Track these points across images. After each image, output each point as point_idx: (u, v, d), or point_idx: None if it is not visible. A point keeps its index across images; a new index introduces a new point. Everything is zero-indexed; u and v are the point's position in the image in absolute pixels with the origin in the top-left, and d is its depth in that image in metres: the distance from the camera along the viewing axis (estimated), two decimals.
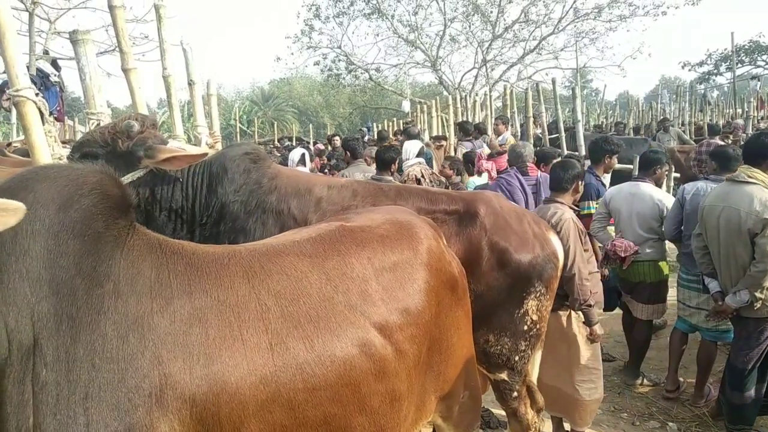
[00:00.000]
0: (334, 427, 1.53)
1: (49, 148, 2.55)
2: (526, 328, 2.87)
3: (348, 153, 6.00)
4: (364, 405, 1.60)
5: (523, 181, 5.22)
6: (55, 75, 10.70)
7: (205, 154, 2.67)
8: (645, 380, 5.01)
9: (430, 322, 1.88)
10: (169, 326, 1.34)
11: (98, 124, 3.11)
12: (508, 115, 11.73)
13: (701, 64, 30.95)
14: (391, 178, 4.98)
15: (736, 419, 3.84)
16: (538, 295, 2.87)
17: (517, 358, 2.88)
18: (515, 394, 2.94)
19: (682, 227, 4.47)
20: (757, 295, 3.58)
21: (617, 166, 8.77)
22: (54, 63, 10.93)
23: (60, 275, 1.26)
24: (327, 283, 1.64)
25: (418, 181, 5.73)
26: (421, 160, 6.32)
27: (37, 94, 2.64)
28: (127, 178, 2.55)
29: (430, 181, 5.92)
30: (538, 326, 2.93)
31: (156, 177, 2.67)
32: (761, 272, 3.53)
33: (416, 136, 9.30)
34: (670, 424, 4.38)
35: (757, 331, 3.71)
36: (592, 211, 5.09)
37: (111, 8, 3.71)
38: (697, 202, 4.25)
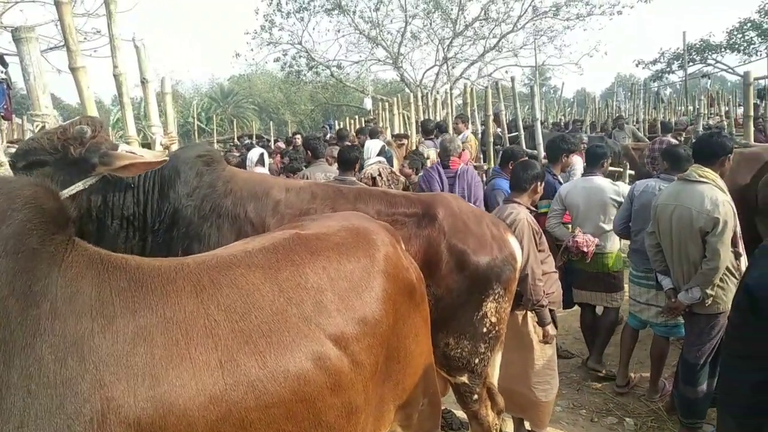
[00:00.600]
0: None
1: None
2: (485, 330, 2.87)
3: (309, 152, 5.93)
4: (320, 420, 1.56)
5: (443, 173, 5.50)
6: (1, 72, 10.28)
7: (165, 161, 2.57)
8: (605, 371, 5.10)
9: (387, 330, 1.86)
10: (111, 347, 1.27)
11: (43, 126, 2.97)
12: (468, 113, 11.80)
13: (655, 62, 31.85)
14: (353, 178, 4.95)
15: (690, 413, 3.95)
16: (496, 297, 2.88)
17: (477, 360, 2.89)
18: (475, 396, 2.95)
19: (630, 223, 4.59)
20: (708, 292, 3.68)
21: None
22: (1, 59, 10.49)
23: None
24: (280, 295, 1.60)
25: (374, 180, 5.72)
26: (382, 159, 6.31)
27: None
28: (77, 186, 2.44)
29: (388, 180, 5.92)
30: (497, 328, 2.94)
31: (108, 183, 2.55)
32: (712, 270, 3.63)
33: (377, 134, 9.29)
34: (627, 419, 4.48)
35: (709, 326, 3.82)
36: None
37: (57, 4, 3.56)
38: (646, 199, 4.38)
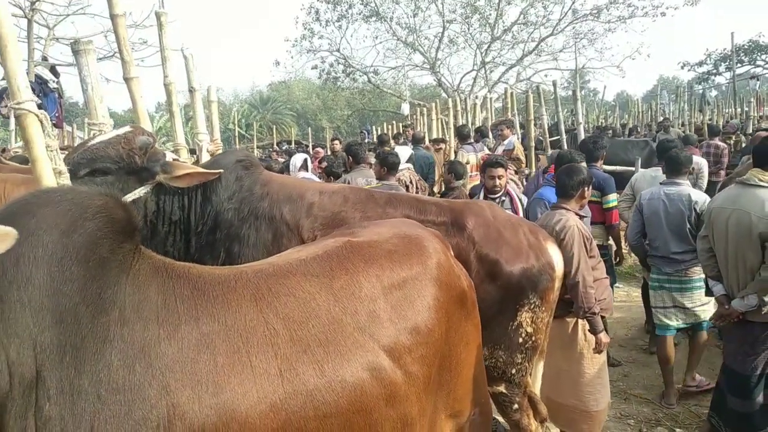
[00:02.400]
0: None
1: (50, 162, 2.50)
2: (521, 340, 2.82)
3: (350, 158, 5.98)
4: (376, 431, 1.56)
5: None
6: (53, 81, 10.69)
7: (220, 173, 2.71)
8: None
9: (440, 339, 1.84)
10: (176, 354, 1.30)
11: (100, 134, 3.07)
12: (509, 117, 11.69)
13: (700, 64, 30.97)
14: (396, 183, 4.96)
15: (744, 428, 3.79)
16: (532, 307, 2.82)
17: (513, 371, 2.84)
18: (516, 406, 2.91)
19: (646, 231, 4.74)
20: (766, 299, 3.54)
21: (619, 168, 8.79)
22: (53, 69, 10.92)
23: (64, 303, 1.22)
24: (335, 304, 1.60)
25: (407, 187, 5.77)
26: (410, 165, 6.40)
27: (39, 105, 2.60)
28: (138, 193, 2.58)
29: (417, 187, 5.95)
30: (534, 338, 2.88)
31: (161, 190, 2.69)
32: None
33: (421, 140, 9.28)
34: (678, 430, 4.35)
35: (764, 335, 3.67)
36: (615, 204, 5.20)
37: (113, 17, 3.67)
38: (654, 206, 4.60)
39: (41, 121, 2.60)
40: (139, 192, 2.56)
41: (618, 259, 5.46)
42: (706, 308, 4.59)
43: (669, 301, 4.65)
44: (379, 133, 15.22)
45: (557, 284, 3.04)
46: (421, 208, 2.84)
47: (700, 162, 5.88)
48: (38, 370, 1.16)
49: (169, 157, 2.77)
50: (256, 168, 2.94)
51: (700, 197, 4.59)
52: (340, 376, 1.49)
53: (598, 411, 3.68)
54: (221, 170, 2.70)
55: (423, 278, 1.86)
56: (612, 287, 4.67)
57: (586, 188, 3.83)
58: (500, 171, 5.02)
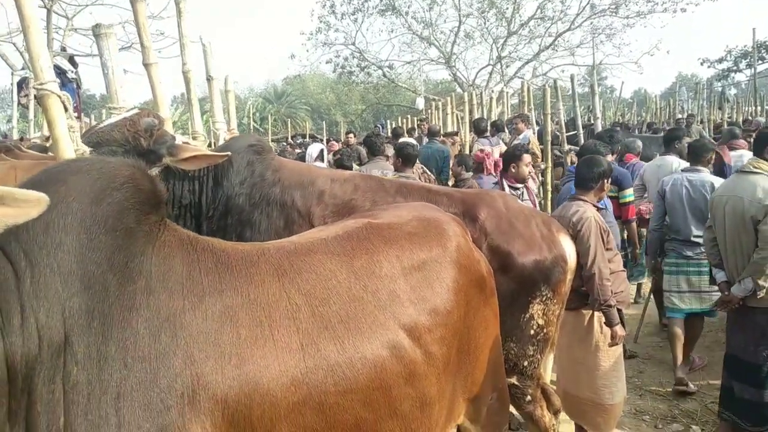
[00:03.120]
0: (365, 431, 1.49)
1: (72, 143, 2.52)
2: (532, 332, 2.80)
3: (367, 149, 5.97)
4: (395, 409, 1.56)
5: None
6: (72, 71, 10.79)
7: (227, 155, 2.67)
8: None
9: (459, 321, 1.84)
10: (201, 325, 1.31)
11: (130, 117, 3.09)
12: (526, 112, 11.61)
13: (720, 60, 30.53)
14: (413, 174, 4.94)
15: (759, 419, 3.75)
16: (544, 299, 2.80)
17: (525, 363, 2.82)
18: (528, 397, 2.89)
19: (667, 217, 4.94)
20: (761, 282, 3.57)
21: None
22: (71, 59, 11.02)
23: (92, 270, 1.23)
24: (356, 282, 1.61)
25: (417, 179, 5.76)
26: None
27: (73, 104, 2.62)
28: None
29: (424, 180, 5.93)
30: (545, 330, 2.86)
31: (169, 173, 2.67)
32: (764, 259, 3.52)
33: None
34: (694, 427, 4.31)
35: None
36: (631, 198, 5.28)
37: (133, 3, 3.69)
38: (677, 192, 4.83)
39: (63, 103, 2.63)
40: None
41: (634, 259, 5.43)
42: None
43: (685, 286, 4.85)
44: (393, 127, 15.17)
45: (569, 276, 3.02)
46: (432, 198, 2.81)
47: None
48: (66, 334, 1.17)
49: (180, 140, 2.75)
50: (267, 153, 2.93)
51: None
52: (360, 352, 1.49)
53: (614, 405, 3.64)
54: (228, 153, 2.68)
55: (442, 260, 1.86)
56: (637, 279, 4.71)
57: (605, 181, 3.79)
58: (529, 158, 5.14)
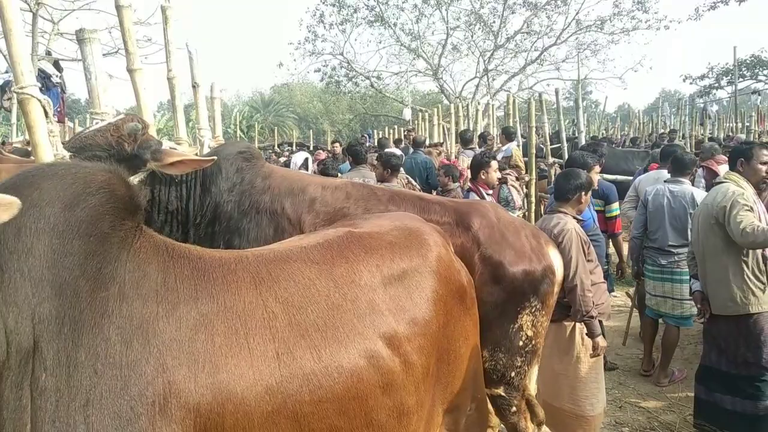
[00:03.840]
0: None
1: (52, 147, 2.50)
2: (521, 343, 2.80)
3: (351, 157, 5.98)
4: (371, 419, 1.55)
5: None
6: (57, 76, 10.69)
7: (213, 160, 2.64)
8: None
9: (438, 332, 1.84)
10: (174, 332, 1.29)
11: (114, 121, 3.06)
12: (510, 124, 11.71)
13: (702, 77, 31.03)
14: (397, 185, 4.96)
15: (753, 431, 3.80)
16: (533, 310, 2.81)
17: (513, 374, 2.82)
18: (513, 408, 2.88)
19: (648, 225, 5.14)
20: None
21: (620, 177, 8.82)
22: (56, 64, 10.93)
23: (63, 276, 1.21)
24: (335, 290, 1.60)
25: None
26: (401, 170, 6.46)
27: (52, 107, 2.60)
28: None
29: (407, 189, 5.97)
30: (534, 342, 2.87)
31: (155, 179, 2.64)
32: (749, 243, 3.65)
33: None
34: None
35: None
36: (617, 212, 5.45)
37: (118, 8, 3.68)
38: (658, 202, 5.03)
39: (44, 107, 2.61)
40: (132, 180, 2.52)
41: (620, 272, 5.49)
42: (693, 304, 4.96)
43: (660, 291, 5.09)
44: (379, 138, 15.22)
45: (557, 288, 3.03)
46: (425, 207, 2.81)
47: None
48: (36, 340, 1.15)
49: (167, 145, 2.71)
50: (257, 160, 2.90)
51: (702, 196, 4.92)
52: (337, 361, 1.48)
53: (594, 416, 3.66)
54: (214, 158, 2.64)
55: (423, 270, 1.86)
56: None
57: (583, 193, 3.82)
58: (496, 165, 5.43)
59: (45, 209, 1.24)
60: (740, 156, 4.01)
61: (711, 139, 14.06)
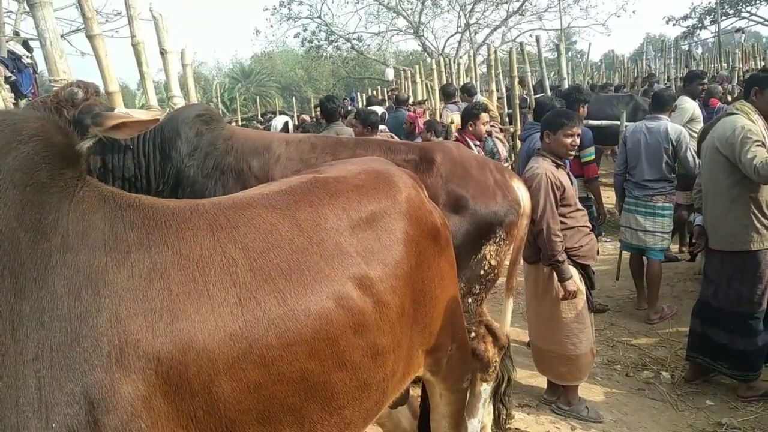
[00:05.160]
0: (313, 383, 1.45)
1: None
2: (482, 272, 2.84)
3: (324, 116, 5.86)
4: (344, 360, 1.52)
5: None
6: (27, 56, 10.38)
7: (157, 120, 2.53)
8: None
9: (411, 273, 1.81)
10: (126, 282, 1.24)
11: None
12: (493, 77, 11.56)
13: (686, 18, 30.65)
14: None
15: (743, 366, 3.84)
16: (497, 240, 2.85)
17: (470, 300, 2.86)
18: (473, 334, 2.93)
19: (627, 161, 5.30)
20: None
21: (605, 123, 8.75)
22: (25, 44, 10.59)
23: None
24: (299, 234, 1.56)
25: None
26: (383, 127, 6.41)
27: (13, 81, 2.50)
28: None
29: None
30: (496, 271, 2.92)
31: (105, 146, 2.58)
32: (765, 179, 3.56)
33: (404, 102, 9.18)
34: (664, 373, 4.40)
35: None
36: (592, 157, 5.42)
37: None
38: (636, 138, 5.17)
39: None
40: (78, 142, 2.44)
41: (600, 217, 5.50)
42: (665, 237, 5.22)
43: (633, 223, 5.25)
44: (368, 97, 15.01)
45: (524, 221, 3.07)
46: (391, 148, 2.85)
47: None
48: None
49: (121, 111, 2.57)
50: (217, 123, 2.86)
51: (676, 131, 5.07)
52: (303, 304, 1.44)
53: (578, 355, 3.67)
54: (158, 117, 2.54)
55: (392, 212, 1.82)
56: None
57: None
58: (487, 117, 5.49)
59: None
60: (756, 84, 3.89)
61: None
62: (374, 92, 18.79)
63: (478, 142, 5.41)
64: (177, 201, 1.53)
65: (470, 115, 5.48)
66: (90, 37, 3.68)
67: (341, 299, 1.53)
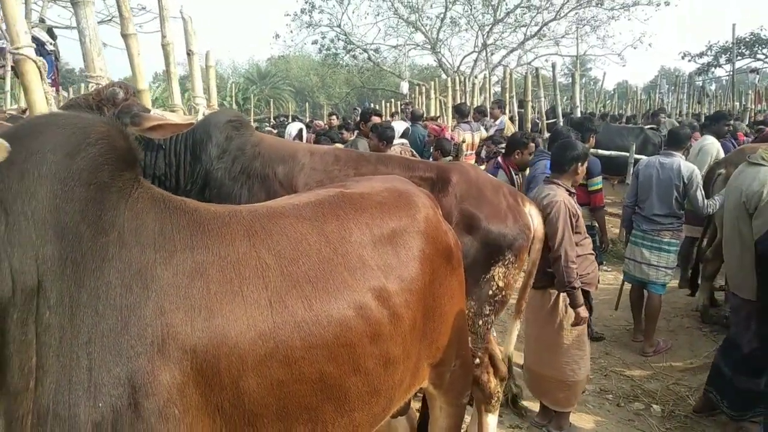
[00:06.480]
0: (330, 385, 1.56)
1: (48, 107, 2.54)
2: (491, 292, 2.92)
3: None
4: (359, 365, 1.63)
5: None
6: (50, 44, 10.57)
7: (191, 124, 2.68)
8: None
9: (424, 289, 1.91)
10: (171, 278, 1.35)
11: (97, 86, 3.10)
12: (507, 99, 11.69)
13: (701, 55, 30.85)
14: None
15: (739, 405, 3.82)
16: (506, 263, 2.93)
17: (480, 322, 2.94)
18: (477, 360, 3.02)
19: (638, 194, 5.36)
20: None
21: (614, 153, 8.87)
22: (50, 31, 10.78)
23: (65, 220, 1.27)
24: (326, 245, 1.67)
25: None
26: (404, 141, 6.48)
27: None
28: None
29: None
30: (504, 292, 3.00)
31: (139, 144, 2.68)
32: None
33: (420, 117, 9.31)
34: (654, 406, 4.46)
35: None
36: (600, 186, 5.53)
37: None
38: (648, 172, 5.27)
39: (39, 69, 2.64)
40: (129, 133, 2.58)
41: (603, 246, 5.59)
42: (668, 272, 5.27)
43: (638, 256, 5.31)
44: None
45: (537, 245, 3.17)
46: (410, 165, 2.95)
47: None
48: (40, 279, 1.21)
49: (157, 113, 2.74)
50: (246, 129, 2.98)
51: (688, 169, 5.11)
52: (327, 310, 1.55)
53: (576, 382, 3.77)
54: (193, 121, 2.69)
55: (410, 230, 1.93)
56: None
57: (579, 164, 3.87)
58: (533, 147, 5.58)
59: (47, 155, 1.29)
60: None
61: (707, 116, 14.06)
62: (387, 104, 18.94)
63: (520, 173, 5.46)
64: (218, 206, 1.65)
65: (518, 144, 5.50)
66: (125, 36, 3.82)
67: (361, 309, 1.64)
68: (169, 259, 1.37)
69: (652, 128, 10.89)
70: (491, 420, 3.11)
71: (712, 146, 6.63)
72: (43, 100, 2.52)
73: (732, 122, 8.17)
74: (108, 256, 1.29)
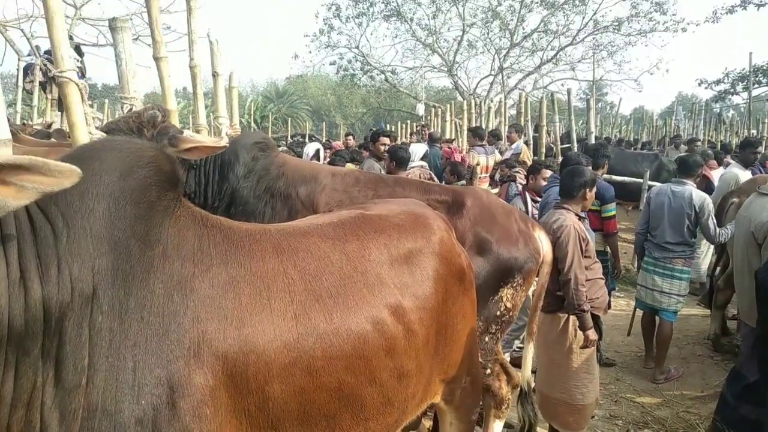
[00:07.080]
0: (347, 394, 1.67)
1: (87, 127, 2.70)
2: (499, 313, 3.03)
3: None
4: (375, 377, 1.74)
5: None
6: (77, 60, 10.94)
7: (225, 147, 2.86)
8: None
9: (437, 307, 2.03)
10: (207, 290, 1.49)
11: (131, 108, 3.28)
12: (522, 123, 11.83)
13: (718, 82, 30.74)
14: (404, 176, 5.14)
15: None
16: (515, 285, 3.05)
17: (487, 338, 3.05)
18: (488, 371, 3.11)
19: (650, 221, 5.42)
20: None
21: (628, 179, 8.93)
22: (77, 49, 11.16)
23: (117, 235, 1.41)
24: (347, 263, 1.79)
25: None
26: (424, 163, 6.60)
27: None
28: None
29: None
30: (511, 313, 3.11)
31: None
32: None
33: (438, 140, 9.47)
34: None
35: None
36: (613, 213, 5.55)
37: None
38: (659, 200, 5.32)
39: (80, 91, 2.81)
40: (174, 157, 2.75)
41: (615, 272, 5.64)
42: (680, 299, 5.32)
43: (650, 283, 5.37)
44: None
45: (546, 269, 3.27)
46: (427, 188, 3.12)
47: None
48: (95, 288, 1.35)
49: (187, 133, 2.93)
50: (272, 150, 3.16)
51: (700, 198, 5.16)
52: (346, 324, 1.68)
53: (585, 405, 3.82)
54: (226, 144, 2.86)
55: (426, 251, 2.05)
56: (609, 293, 4.92)
57: (588, 190, 3.97)
58: (549, 173, 5.68)
59: (104, 177, 1.44)
60: None
61: (724, 144, 14.06)
62: (403, 125, 19.17)
63: (538, 198, 5.56)
64: (249, 225, 1.80)
65: (532, 170, 5.71)
66: (156, 59, 4.01)
67: (378, 324, 1.76)
68: (206, 272, 1.51)
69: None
70: (497, 427, 3.20)
71: (731, 176, 6.68)
72: (83, 120, 2.68)
73: (760, 152, 8.22)
74: (153, 268, 1.43)
